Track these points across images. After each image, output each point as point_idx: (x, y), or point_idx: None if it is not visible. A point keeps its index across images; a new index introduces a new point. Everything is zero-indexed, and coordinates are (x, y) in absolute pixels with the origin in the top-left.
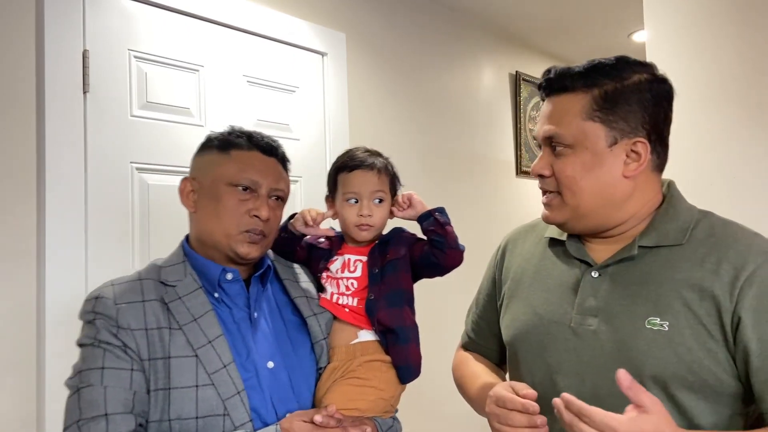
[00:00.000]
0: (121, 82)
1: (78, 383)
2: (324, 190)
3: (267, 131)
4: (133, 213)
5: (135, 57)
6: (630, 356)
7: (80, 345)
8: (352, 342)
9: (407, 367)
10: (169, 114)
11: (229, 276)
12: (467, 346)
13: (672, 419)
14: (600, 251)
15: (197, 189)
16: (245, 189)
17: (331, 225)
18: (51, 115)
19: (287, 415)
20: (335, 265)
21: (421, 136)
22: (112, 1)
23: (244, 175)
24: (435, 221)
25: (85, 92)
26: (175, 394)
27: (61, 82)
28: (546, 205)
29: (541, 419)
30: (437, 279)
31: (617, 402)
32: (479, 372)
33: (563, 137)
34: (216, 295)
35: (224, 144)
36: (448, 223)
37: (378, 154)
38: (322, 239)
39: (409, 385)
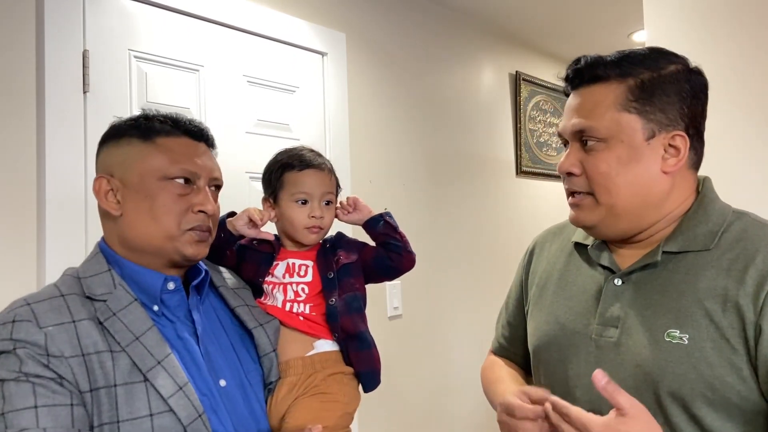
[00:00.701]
0: (121, 82)
1: (3, 429)
2: None
3: (267, 131)
4: None
5: (135, 57)
6: (648, 371)
7: None
8: (309, 353)
9: (372, 373)
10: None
11: (171, 285)
12: (497, 351)
13: (654, 421)
14: (625, 257)
15: (118, 188)
16: (183, 182)
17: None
18: (51, 115)
19: None
20: (279, 269)
21: (421, 135)
22: (112, 1)
23: (179, 165)
24: (387, 225)
25: (85, 92)
26: (125, 427)
27: (61, 82)
28: (574, 206)
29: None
30: (438, 278)
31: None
32: (503, 377)
33: (596, 130)
34: (155, 308)
35: (146, 131)
36: (397, 228)
37: (321, 155)
38: (255, 241)
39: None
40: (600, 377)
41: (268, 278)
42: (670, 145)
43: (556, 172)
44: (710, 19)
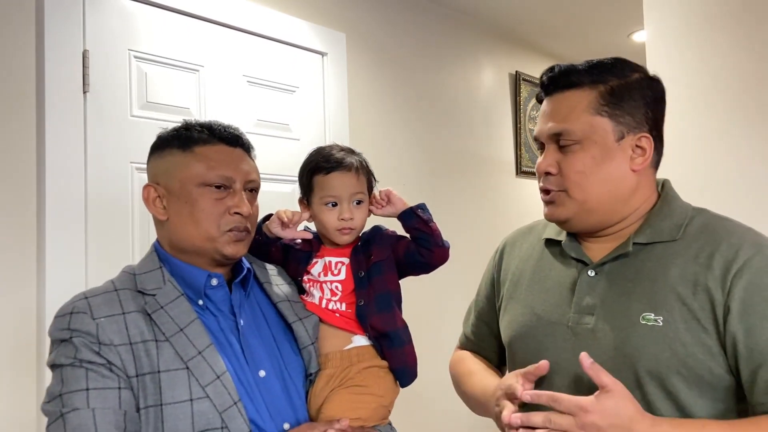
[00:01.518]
0: (121, 82)
1: (60, 408)
2: None
3: (267, 131)
4: (133, 213)
5: (135, 57)
6: (626, 352)
7: (55, 366)
8: (347, 347)
9: (405, 369)
10: (169, 114)
11: (215, 282)
12: (465, 346)
13: (633, 397)
14: (596, 250)
15: (164, 195)
16: (219, 187)
17: (306, 226)
18: (51, 115)
19: (290, 425)
20: (316, 268)
21: (421, 135)
22: (112, 1)
23: (216, 172)
24: (419, 219)
25: (85, 92)
26: (168, 410)
27: (61, 82)
28: (549, 203)
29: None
30: (438, 278)
31: None
32: (475, 369)
33: (572, 132)
34: (200, 302)
35: (185, 141)
36: (432, 220)
37: (352, 152)
38: (299, 240)
39: (406, 388)
40: (585, 358)
41: (307, 276)
42: (636, 145)
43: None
44: (710, 19)
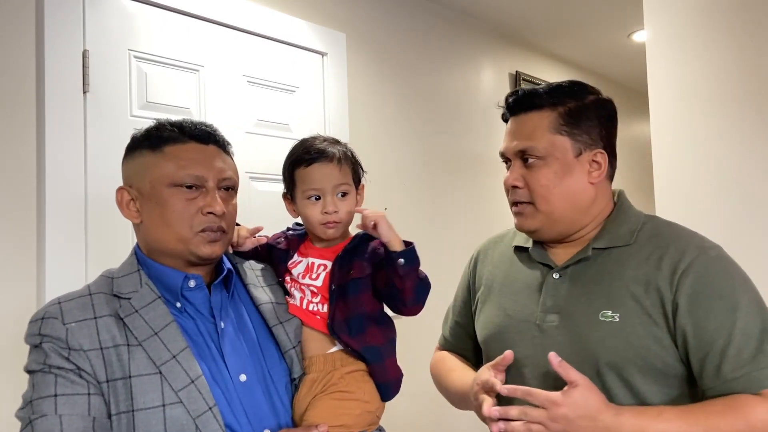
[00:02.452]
0: (121, 82)
1: (30, 414)
2: None
3: (267, 131)
4: None
5: (135, 57)
6: (587, 346)
7: (28, 372)
8: (330, 351)
9: (386, 384)
10: (169, 114)
11: (192, 283)
12: (444, 347)
13: (598, 390)
14: (560, 255)
15: (137, 197)
16: (190, 187)
17: (296, 221)
18: (51, 115)
19: (278, 430)
20: (298, 268)
21: (420, 135)
22: (112, 1)
23: (186, 171)
24: (395, 271)
25: (85, 92)
26: (140, 416)
27: (61, 82)
28: (518, 214)
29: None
30: (438, 278)
31: None
32: (455, 367)
33: (536, 150)
34: (178, 305)
35: (155, 141)
36: (410, 275)
37: (336, 142)
38: (281, 239)
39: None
40: (554, 357)
41: (288, 276)
42: (593, 160)
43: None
44: (710, 19)
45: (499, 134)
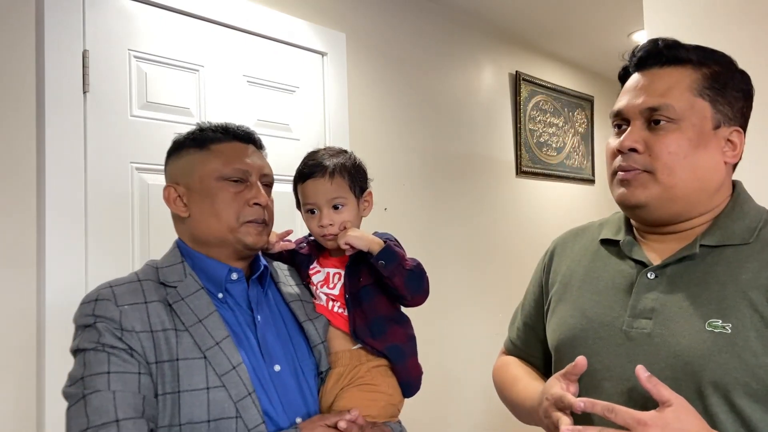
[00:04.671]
0: (121, 82)
1: (82, 390)
2: None
3: (267, 131)
4: (133, 213)
5: (135, 57)
6: (688, 360)
7: (78, 350)
8: (355, 347)
9: (407, 383)
10: (169, 114)
11: (235, 276)
12: (511, 352)
13: (697, 413)
14: (657, 251)
15: (184, 193)
16: (236, 180)
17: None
18: (51, 115)
19: (302, 419)
20: (318, 277)
21: (421, 135)
22: (112, 1)
23: (232, 166)
24: (380, 272)
25: (85, 92)
26: (185, 397)
27: (61, 82)
28: (625, 182)
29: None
30: (439, 278)
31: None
32: (520, 375)
33: (671, 109)
34: (220, 296)
35: (201, 141)
36: (395, 272)
37: (337, 154)
38: (303, 244)
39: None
40: (642, 371)
41: (310, 281)
42: (728, 139)
43: (556, 172)
44: (710, 19)
45: (499, 134)
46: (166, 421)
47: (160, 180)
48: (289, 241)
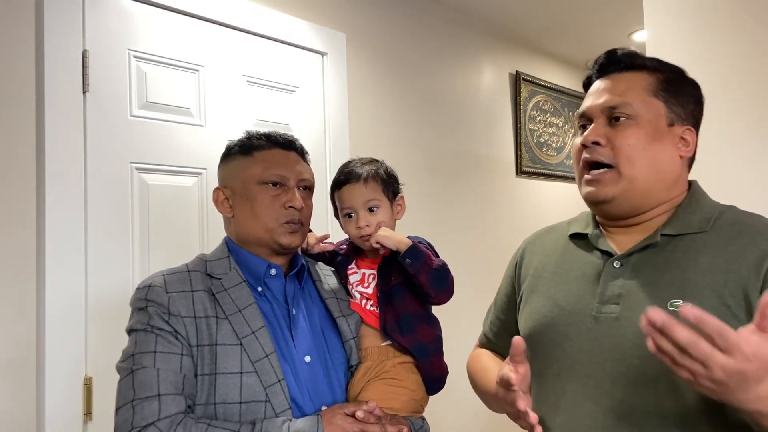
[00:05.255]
0: (121, 82)
1: (131, 365)
2: (323, 188)
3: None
4: (133, 213)
5: (135, 57)
6: None
7: (132, 330)
8: (384, 344)
9: (431, 380)
10: (169, 114)
11: (273, 271)
12: (485, 345)
13: None
14: (622, 242)
15: (230, 195)
16: (275, 185)
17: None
18: (51, 115)
19: (326, 407)
20: (354, 277)
21: (421, 136)
22: (112, 1)
23: (272, 171)
24: (407, 270)
25: (85, 92)
26: (220, 379)
27: (61, 82)
28: (594, 181)
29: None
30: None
31: (640, 389)
32: (490, 366)
33: (629, 106)
34: (259, 289)
35: (246, 148)
36: (421, 270)
37: (370, 162)
38: (343, 246)
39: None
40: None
41: (347, 281)
42: (682, 137)
43: (556, 172)
44: (710, 19)
45: (499, 134)
46: (203, 400)
47: (160, 180)
48: (329, 243)
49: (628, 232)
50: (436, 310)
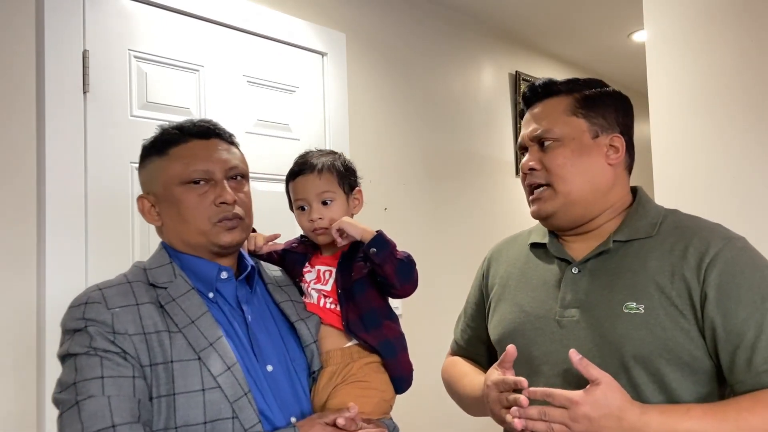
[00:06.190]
0: (121, 82)
1: (75, 396)
2: None
3: (267, 131)
4: (133, 213)
5: (135, 57)
6: (611, 339)
7: (68, 355)
8: (347, 345)
9: (399, 378)
10: (169, 114)
11: (225, 275)
12: (456, 352)
13: (621, 388)
14: (578, 249)
15: (155, 202)
16: (199, 182)
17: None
18: (51, 115)
19: (298, 418)
20: (310, 275)
21: (421, 135)
22: (112, 1)
23: (192, 168)
24: (372, 261)
25: (85, 92)
26: (180, 399)
27: (61, 82)
28: (535, 200)
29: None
30: (438, 279)
31: None
32: (467, 371)
33: (552, 132)
34: (211, 295)
35: (160, 146)
36: (386, 260)
37: (327, 154)
38: (296, 243)
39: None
40: (574, 354)
41: (303, 279)
42: (610, 145)
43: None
44: (710, 19)
45: (499, 134)
46: (162, 425)
47: None
48: (279, 243)
49: (584, 239)
50: (436, 309)
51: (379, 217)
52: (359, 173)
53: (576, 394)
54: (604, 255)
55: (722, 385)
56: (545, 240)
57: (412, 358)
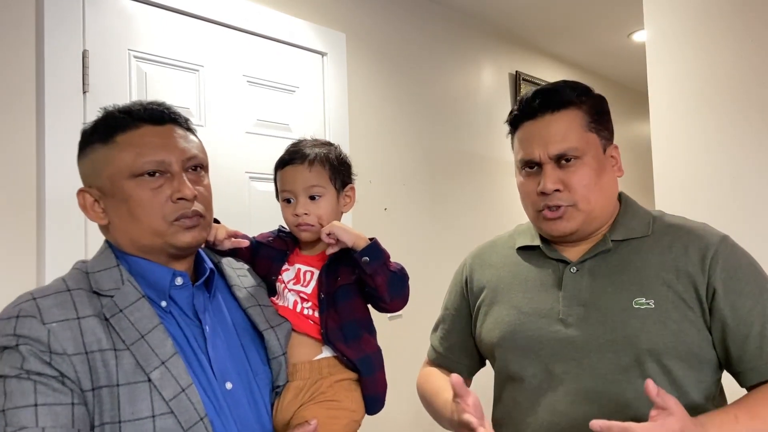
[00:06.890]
0: (121, 82)
1: (3, 427)
2: None
3: (267, 131)
4: None
5: (135, 57)
6: (625, 334)
7: None
8: (317, 357)
9: (374, 397)
10: None
11: (180, 281)
12: (435, 360)
13: (687, 414)
14: (572, 251)
15: (98, 197)
16: (153, 174)
17: (281, 225)
18: (51, 115)
19: None
20: (288, 274)
21: (421, 135)
22: (112, 1)
23: (145, 159)
24: (363, 271)
25: (85, 92)
26: (127, 427)
27: (61, 82)
28: (557, 218)
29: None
30: (437, 279)
31: (618, 377)
32: (443, 386)
33: (575, 150)
34: (164, 304)
35: (105, 132)
36: (378, 271)
37: (322, 145)
38: (271, 239)
39: None
40: (652, 387)
41: (280, 279)
42: (611, 155)
43: None
44: (710, 19)
45: (499, 134)
46: None
47: None
48: (244, 240)
49: (575, 244)
50: (436, 310)
51: (379, 217)
52: (355, 170)
53: (644, 426)
54: (603, 254)
55: (718, 374)
56: (536, 243)
57: (412, 359)
